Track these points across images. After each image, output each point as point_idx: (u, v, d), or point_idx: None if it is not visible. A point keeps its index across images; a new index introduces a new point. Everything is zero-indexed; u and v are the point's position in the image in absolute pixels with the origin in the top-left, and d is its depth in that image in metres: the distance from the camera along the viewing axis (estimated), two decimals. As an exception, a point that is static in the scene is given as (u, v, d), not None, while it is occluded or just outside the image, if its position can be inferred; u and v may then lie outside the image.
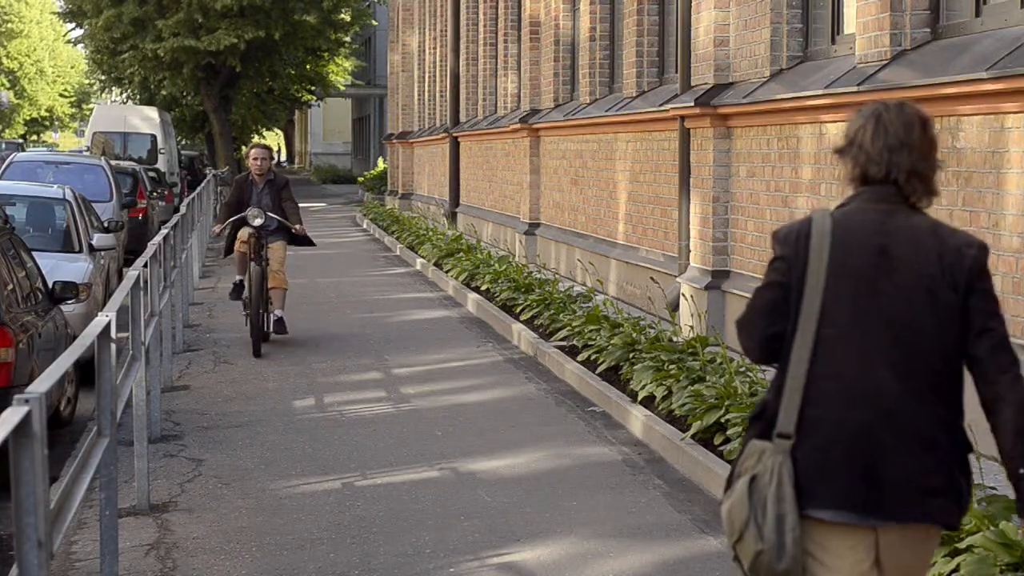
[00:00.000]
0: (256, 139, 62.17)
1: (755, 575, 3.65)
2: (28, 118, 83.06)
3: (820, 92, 9.79)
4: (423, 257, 20.72)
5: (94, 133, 33.63)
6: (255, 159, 12.82)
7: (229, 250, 13.02)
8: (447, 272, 18.21)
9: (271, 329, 12.52)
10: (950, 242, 3.67)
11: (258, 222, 12.31)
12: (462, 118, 27.40)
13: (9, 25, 78.93)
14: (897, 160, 3.74)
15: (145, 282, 8.23)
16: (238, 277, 12.96)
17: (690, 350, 9.80)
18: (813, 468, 3.59)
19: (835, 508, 3.58)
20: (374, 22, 49.04)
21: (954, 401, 3.68)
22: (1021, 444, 3.65)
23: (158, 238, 10.78)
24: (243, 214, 12.53)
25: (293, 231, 12.66)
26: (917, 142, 3.75)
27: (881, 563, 3.60)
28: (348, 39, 46.16)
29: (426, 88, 33.16)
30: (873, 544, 3.59)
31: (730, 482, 3.74)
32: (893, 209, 3.72)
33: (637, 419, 9.04)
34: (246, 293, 12.60)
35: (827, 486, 3.58)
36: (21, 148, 49.02)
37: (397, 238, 24.46)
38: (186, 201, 18.23)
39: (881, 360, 3.61)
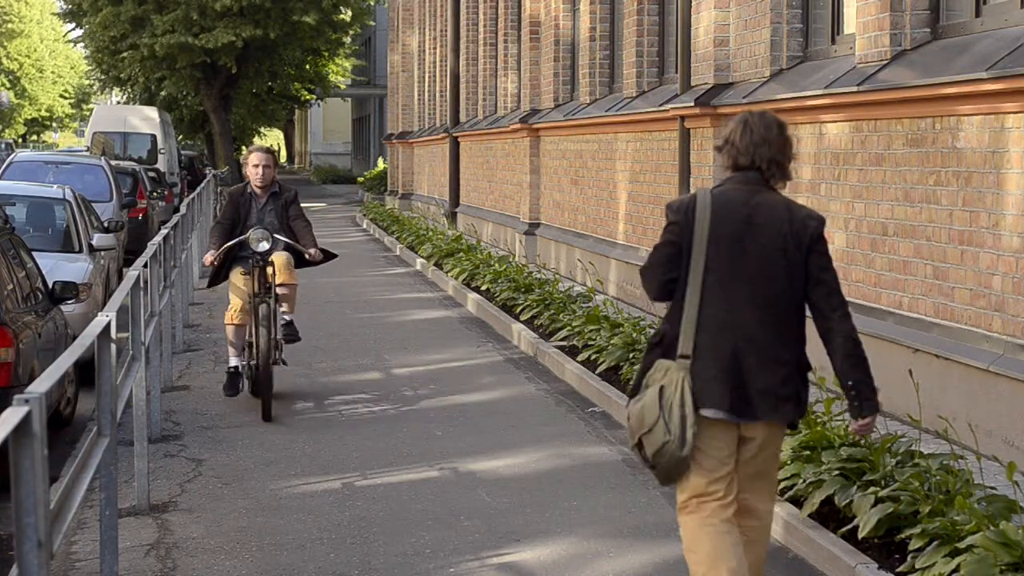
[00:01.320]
0: (257, 140, 62.06)
1: (658, 459, 4.92)
2: (28, 118, 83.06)
3: (820, 92, 9.79)
4: (423, 257, 20.71)
5: (94, 133, 33.63)
6: (255, 166, 10.11)
7: (216, 278, 10.28)
8: (447, 272, 18.20)
9: (280, 336, 9.99)
10: (798, 215, 5.05)
11: (263, 247, 9.80)
12: (462, 118, 27.40)
13: (9, 25, 78.92)
14: (760, 152, 5.08)
15: (145, 282, 8.23)
16: (233, 361, 10.01)
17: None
18: (703, 381, 4.88)
19: (715, 408, 4.88)
20: (371, 22, 49.00)
21: (798, 333, 4.98)
22: (848, 363, 4.94)
23: (158, 238, 10.78)
24: (242, 237, 9.92)
25: (307, 256, 10.04)
26: (775, 139, 5.12)
27: (741, 449, 4.97)
28: (348, 39, 46.14)
29: (426, 88, 33.16)
30: (736, 436, 4.94)
31: (636, 391, 5.02)
32: (756, 189, 5.07)
33: (637, 419, 9.03)
34: (246, 359, 10.02)
35: (712, 394, 4.87)
36: (11, 148, 48.89)
37: (397, 238, 24.46)
38: (186, 201, 18.22)
39: (747, 302, 4.92)
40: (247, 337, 9.98)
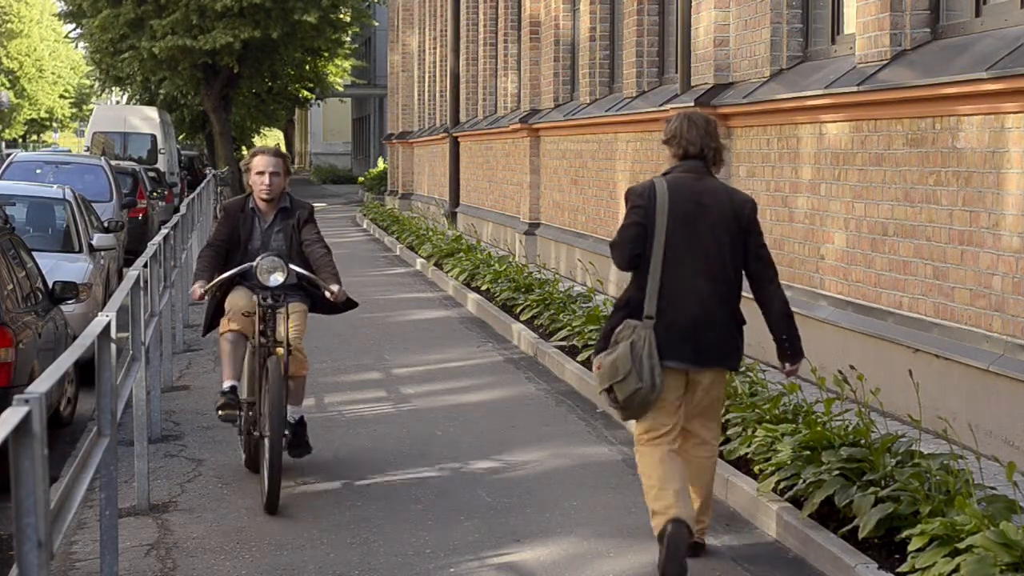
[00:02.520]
0: (258, 140, 61.86)
1: (629, 404, 5.99)
2: (28, 118, 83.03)
3: (820, 92, 9.79)
4: (423, 257, 20.71)
5: (94, 133, 33.65)
6: (261, 173, 7.78)
7: (212, 325, 8.03)
8: (447, 272, 18.20)
9: (285, 445, 7.46)
10: (736, 199, 6.16)
11: (276, 280, 7.52)
12: (462, 118, 27.40)
13: (9, 25, 78.89)
14: (705, 143, 6.11)
15: (145, 282, 8.23)
16: (227, 382, 7.76)
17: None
18: (664, 337, 5.97)
19: (676, 360, 5.99)
20: (375, 22, 48.99)
21: (737, 296, 6.13)
22: (784, 321, 6.22)
23: (158, 238, 10.78)
24: (245, 266, 7.69)
25: (328, 295, 7.65)
26: (713, 132, 6.16)
27: (690, 392, 6.10)
28: (348, 39, 46.14)
29: (426, 88, 33.15)
30: (685, 382, 6.07)
31: (605, 346, 6.07)
32: (702, 175, 6.12)
33: (637, 419, 9.03)
34: (244, 407, 7.79)
35: (674, 348, 5.98)
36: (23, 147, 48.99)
37: (397, 238, 24.46)
38: (186, 201, 18.23)
39: (700, 272, 6.01)
40: (246, 395, 7.76)
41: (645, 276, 6.00)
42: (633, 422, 6.26)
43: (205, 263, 7.82)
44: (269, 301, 7.49)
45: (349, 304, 7.91)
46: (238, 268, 7.73)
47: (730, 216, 6.03)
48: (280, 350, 7.38)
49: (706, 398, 6.16)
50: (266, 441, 7.16)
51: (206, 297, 7.73)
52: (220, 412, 7.72)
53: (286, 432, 7.43)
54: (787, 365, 6.25)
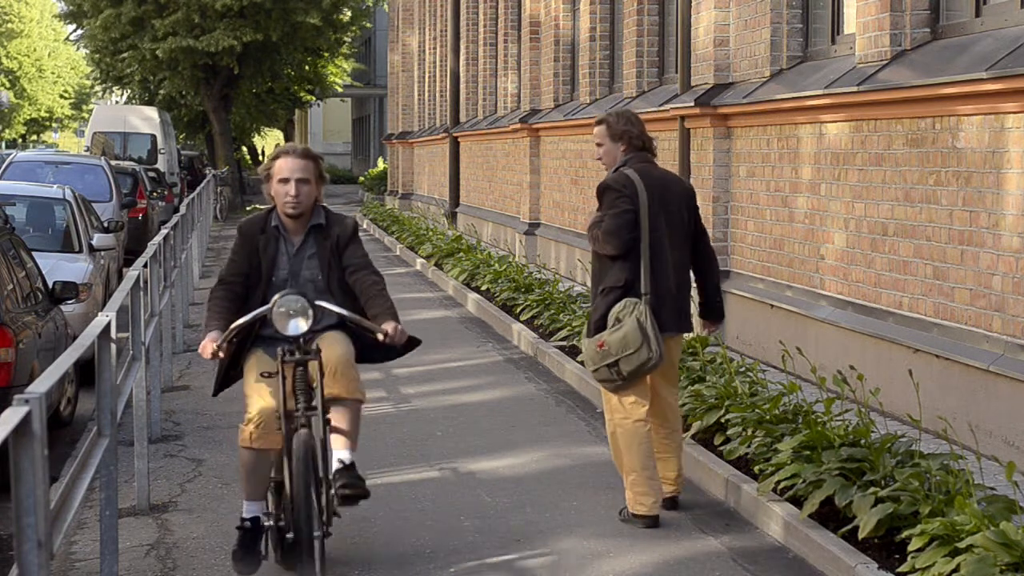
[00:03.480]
0: (259, 140, 61.69)
1: (635, 376, 6.71)
2: (28, 118, 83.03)
3: (820, 92, 9.79)
4: (423, 257, 20.72)
5: (94, 133, 33.65)
6: (285, 180, 6.00)
7: (226, 380, 6.24)
8: (447, 272, 18.20)
9: (334, 495, 5.86)
10: (686, 182, 7.22)
11: (297, 328, 5.70)
12: (462, 118, 27.40)
13: (9, 25, 78.90)
14: (645, 136, 6.94)
15: (145, 282, 8.23)
16: (250, 505, 5.93)
17: (690, 350, 9.78)
18: (657, 311, 6.72)
19: (665, 329, 6.76)
20: (367, 24, 48.97)
21: (691, 267, 7.00)
22: (719, 288, 7.17)
23: (158, 238, 10.78)
24: (261, 310, 5.85)
25: (382, 339, 5.82)
26: (644, 126, 6.98)
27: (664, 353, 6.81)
28: (348, 39, 46.15)
29: (426, 88, 33.16)
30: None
31: (602, 325, 6.78)
32: (652, 164, 6.93)
33: (637, 419, 9.03)
34: (271, 510, 5.98)
35: (665, 320, 6.75)
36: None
37: (397, 238, 24.46)
38: (186, 201, 18.23)
39: (673, 248, 6.81)
40: (273, 472, 5.92)
41: (637, 257, 6.71)
42: (614, 402, 6.84)
43: (217, 307, 5.95)
44: (296, 355, 5.62)
45: (410, 344, 6.03)
46: (253, 315, 5.77)
47: (687, 197, 6.93)
48: (313, 421, 5.61)
49: (670, 362, 6.97)
50: (293, 519, 5.50)
51: (220, 353, 5.78)
52: (237, 567, 5.85)
53: (334, 473, 5.85)
54: (711, 326, 7.17)
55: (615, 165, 6.90)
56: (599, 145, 6.97)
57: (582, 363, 10.91)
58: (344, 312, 5.85)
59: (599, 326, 6.78)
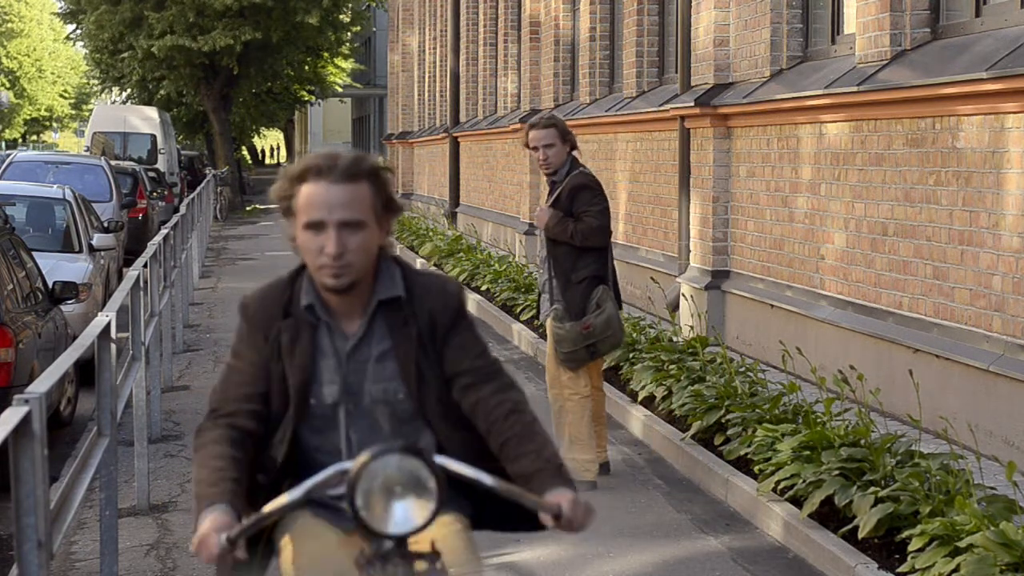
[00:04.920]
0: (259, 141, 61.40)
1: (605, 354, 7.82)
2: (28, 118, 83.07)
3: (820, 92, 9.79)
4: (423, 257, 20.72)
5: (94, 133, 33.65)
6: (317, 224, 3.11)
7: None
8: (447, 272, 18.20)
9: None
10: None
11: (412, 523, 2.91)
12: (462, 118, 27.40)
13: (9, 25, 78.95)
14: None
15: (145, 282, 8.23)
16: None
17: (690, 350, 9.80)
18: (615, 296, 7.60)
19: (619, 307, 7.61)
20: (359, 26, 48.95)
21: None
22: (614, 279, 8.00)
23: (158, 238, 10.79)
24: (314, 481, 2.98)
25: (550, 521, 3.25)
26: None
27: None
28: (348, 39, 46.15)
29: (426, 88, 33.16)
30: None
31: (584, 310, 7.44)
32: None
33: (637, 419, 9.04)
34: None
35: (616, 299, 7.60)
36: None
37: (397, 238, 24.47)
38: (186, 201, 18.23)
39: None
40: None
41: (605, 249, 7.54)
42: (565, 379, 7.53)
43: (215, 464, 3.15)
44: (395, 561, 2.94)
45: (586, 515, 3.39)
46: (309, 486, 3.00)
47: None
48: None
49: None
50: None
51: (238, 555, 2.99)
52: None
53: None
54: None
55: (561, 166, 7.63)
56: (549, 147, 7.52)
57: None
58: (488, 480, 3.18)
59: (580, 310, 7.44)
